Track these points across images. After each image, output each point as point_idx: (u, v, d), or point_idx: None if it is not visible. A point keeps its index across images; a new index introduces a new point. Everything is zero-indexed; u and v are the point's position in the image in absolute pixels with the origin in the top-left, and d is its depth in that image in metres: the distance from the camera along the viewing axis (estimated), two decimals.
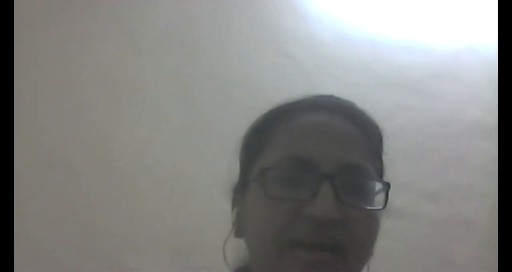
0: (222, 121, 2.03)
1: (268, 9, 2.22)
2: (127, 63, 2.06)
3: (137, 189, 1.96)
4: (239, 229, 0.80)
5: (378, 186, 0.75)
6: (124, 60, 2.05)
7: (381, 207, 0.74)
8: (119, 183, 1.95)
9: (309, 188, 0.71)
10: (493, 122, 2.14)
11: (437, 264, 2.15)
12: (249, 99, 2.01)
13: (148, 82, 2.06)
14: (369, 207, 0.73)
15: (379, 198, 0.75)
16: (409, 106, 2.26)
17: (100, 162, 1.96)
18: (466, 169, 2.26)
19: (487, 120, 2.27)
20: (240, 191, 0.81)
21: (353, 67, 2.24)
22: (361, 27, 2.29)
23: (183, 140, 2.03)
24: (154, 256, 1.91)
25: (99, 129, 1.99)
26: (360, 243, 0.72)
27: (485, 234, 2.18)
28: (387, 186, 0.75)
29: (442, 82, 2.32)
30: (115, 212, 1.92)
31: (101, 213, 1.91)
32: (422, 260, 2.14)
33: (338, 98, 0.82)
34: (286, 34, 2.22)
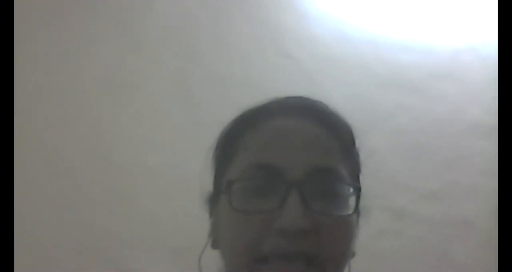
0: (222, 121, 2.02)
1: (268, 9, 2.22)
2: (127, 63, 2.06)
3: (137, 189, 1.96)
4: (214, 241, 0.79)
5: (351, 189, 0.73)
6: (124, 60, 2.05)
7: (351, 212, 0.71)
8: (119, 183, 1.95)
9: (277, 197, 0.69)
10: (493, 122, 2.14)
11: (437, 264, 2.15)
12: (249, 99, 2.01)
13: (148, 82, 2.06)
14: (340, 213, 0.71)
15: (352, 202, 0.72)
16: (409, 106, 2.26)
17: (100, 162, 1.96)
18: (466, 169, 2.26)
19: (487, 120, 2.27)
20: (214, 201, 0.79)
21: (353, 67, 2.24)
22: (361, 27, 2.29)
23: (183, 140, 2.03)
24: (154, 256, 1.91)
25: (99, 129, 1.99)
26: (334, 250, 0.70)
27: (485, 234, 2.18)
28: (358, 190, 0.73)
29: (442, 82, 2.32)
30: (115, 212, 1.92)
31: (101, 213, 1.91)
32: (422, 260, 2.14)
33: (308, 99, 0.80)
34: (286, 34, 2.21)
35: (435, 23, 2.36)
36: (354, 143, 0.79)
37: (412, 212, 2.16)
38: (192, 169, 2.06)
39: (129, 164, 1.98)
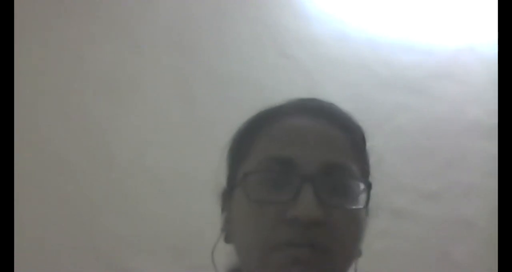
0: (222, 121, 2.03)
1: (268, 9, 2.22)
2: (127, 63, 2.06)
3: (137, 189, 1.96)
4: (228, 235, 0.81)
5: (362, 186, 0.76)
6: (124, 60, 2.06)
7: (361, 206, 0.74)
8: (119, 183, 1.95)
9: (291, 189, 0.72)
10: (493, 122, 2.14)
11: (437, 264, 2.15)
12: (249, 99, 2.01)
13: (148, 82, 2.06)
14: (352, 207, 0.74)
15: (363, 198, 0.75)
16: (409, 106, 2.26)
17: (100, 162, 1.96)
18: (466, 169, 2.26)
19: (487, 120, 2.27)
20: (228, 196, 0.81)
21: (353, 67, 2.24)
22: (361, 27, 2.29)
23: (183, 140, 2.03)
24: (154, 256, 1.91)
25: (99, 129, 1.99)
26: (343, 242, 0.73)
27: (485, 234, 2.18)
28: (369, 185, 0.76)
29: (442, 82, 2.32)
30: (115, 212, 1.92)
31: (101, 213, 1.91)
32: (422, 260, 2.14)
33: (321, 101, 0.83)
34: (286, 34, 2.22)
35: (435, 23, 2.36)
36: (365, 145, 0.82)
37: (412, 212, 2.16)
38: (192, 169, 2.06)
39: (129, 163, 1.98)
